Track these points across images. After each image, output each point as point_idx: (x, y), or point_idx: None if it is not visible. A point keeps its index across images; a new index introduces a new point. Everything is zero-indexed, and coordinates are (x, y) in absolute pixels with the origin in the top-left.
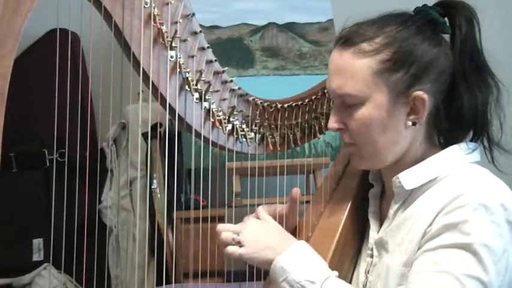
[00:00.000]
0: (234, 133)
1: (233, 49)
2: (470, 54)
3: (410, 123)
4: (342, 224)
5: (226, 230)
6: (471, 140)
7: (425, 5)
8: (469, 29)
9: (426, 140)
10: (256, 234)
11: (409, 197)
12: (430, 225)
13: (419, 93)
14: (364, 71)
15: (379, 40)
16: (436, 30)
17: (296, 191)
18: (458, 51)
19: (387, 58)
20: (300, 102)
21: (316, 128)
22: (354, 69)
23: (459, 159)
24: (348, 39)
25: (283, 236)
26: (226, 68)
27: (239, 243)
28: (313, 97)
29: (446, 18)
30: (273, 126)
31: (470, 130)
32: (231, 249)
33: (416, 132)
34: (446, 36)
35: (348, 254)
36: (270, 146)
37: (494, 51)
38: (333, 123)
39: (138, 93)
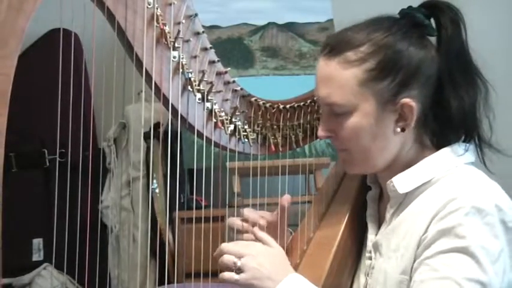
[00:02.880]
0: (236, 134)
1: (233, 49)
2: (456, 55)
3: (399, 129)
4: (340, 232)
5: (229, 252)
6: (464, 141)
7: (410, 7)
8: (454, 29)
9: (417, 143)
10: (258, 262)
11: (404, 200)
12: (425, 232)
13: (407, 100)
14: (350, 81)
15: (364, 49)
16: (422, 33)
17: (285, 199)
18: (444, 52)
19: (372, 67)
20: (301, 103)
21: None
22: (341, 79)
23: (453, 160)
24: (333, 48)
25: (282, 266)
26: (229, 68)
27: (239, 270)
28: (314, 98)
29: (432, 20)
30: (275, 127)
31: (462, 131)
32: (227, 275)
33: (406, 137)
34: (433, 39)
35: (348, 260)
36: (272, 146)
37: (483, 51)
38: (321, 131)
39: (139, 93)
